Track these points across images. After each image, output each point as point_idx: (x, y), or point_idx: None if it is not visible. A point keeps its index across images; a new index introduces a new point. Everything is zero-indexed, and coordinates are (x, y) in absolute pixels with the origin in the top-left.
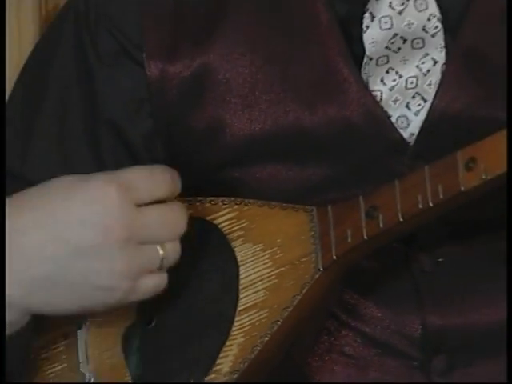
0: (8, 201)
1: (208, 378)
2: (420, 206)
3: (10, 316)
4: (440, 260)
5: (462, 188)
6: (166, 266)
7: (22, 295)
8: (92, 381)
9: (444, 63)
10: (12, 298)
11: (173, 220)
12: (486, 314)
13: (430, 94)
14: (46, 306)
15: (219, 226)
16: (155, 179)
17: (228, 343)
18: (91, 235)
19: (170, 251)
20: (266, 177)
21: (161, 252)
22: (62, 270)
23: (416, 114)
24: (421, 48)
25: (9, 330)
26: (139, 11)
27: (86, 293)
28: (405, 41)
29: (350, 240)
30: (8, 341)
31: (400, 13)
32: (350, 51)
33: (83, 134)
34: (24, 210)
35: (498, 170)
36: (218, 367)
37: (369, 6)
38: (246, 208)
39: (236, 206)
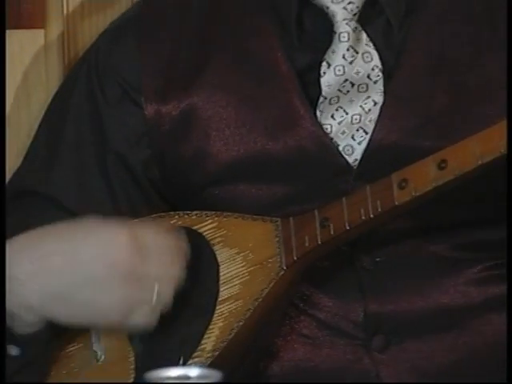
0: (43, 229)
1: (194, 355)
2: (363, 218)
3: (31, 318)
4: (378, 259)
5: (396, 203)
6: (159, 303)
7: (41, 304)
8: (102, 358)
9: (382, 104)
10: (33, 305)
11: (170, 265)
12: (416, 302)
13: (371, 128)
14: (59, 317)
15: (203, 234)
16: (160, 237)
17: (211, 327)
18: (99, 268)
19: (163, 292)
20: (240, 194)
21: (156, 291)
22: (73, 292)
23: (359, 143)
24: (365, 91)
25: (31, 329)
26: (139, 64)
27: (90, 312)
28: (353, 85)
29: (307, 244)
30: (33, 336)
31: (351, 63)
32: (308, 92)
33: (95, 161)
34: (54, 239)
35: (425, 188)
36: (202, 346)
37: (326, 56)
38: (224, 219)
39: (216, 218)
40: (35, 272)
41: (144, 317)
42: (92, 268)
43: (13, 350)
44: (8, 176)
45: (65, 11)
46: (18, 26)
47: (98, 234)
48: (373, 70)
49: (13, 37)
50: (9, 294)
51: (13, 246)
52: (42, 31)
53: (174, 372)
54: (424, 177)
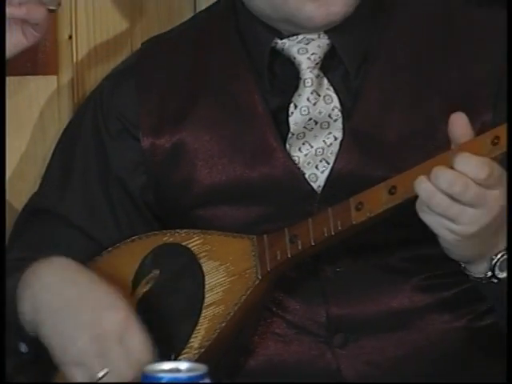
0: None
1: (184, 352)
2: (326, 235)
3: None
4: (338, 270)
5: (354, 222)
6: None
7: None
8: None
9: (341, 139)
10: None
11: (138, 352)
12: (370, 305)
13: (332, 159)
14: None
15: (191, 249)
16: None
17: (197, 328)
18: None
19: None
20: (222, 215)
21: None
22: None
23: (322, 172)
24: (327, 128)
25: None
26: (137, 104)
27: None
28: (316, 123)
29: (279, 258)
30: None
31: (314, 104)
32: (279, 129)
33: (99, 185)
34: (66, 285)
35: (378, 210)
36: (190, 344)
37: (293, 99)
38: (208, 236)
39: (202, 235)
40: (51, 299)
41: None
42: (76, 324)
43: (22, 347)
44: (26, 198)
45: (74, 60)
46: (34, 73)
47: (98, 300)
48: (333, 110)
49: (30, 82)
50: (21, 300)
51: (44, 270)
52: (54, 77)
53: (167, 366)
54: (377, 200)
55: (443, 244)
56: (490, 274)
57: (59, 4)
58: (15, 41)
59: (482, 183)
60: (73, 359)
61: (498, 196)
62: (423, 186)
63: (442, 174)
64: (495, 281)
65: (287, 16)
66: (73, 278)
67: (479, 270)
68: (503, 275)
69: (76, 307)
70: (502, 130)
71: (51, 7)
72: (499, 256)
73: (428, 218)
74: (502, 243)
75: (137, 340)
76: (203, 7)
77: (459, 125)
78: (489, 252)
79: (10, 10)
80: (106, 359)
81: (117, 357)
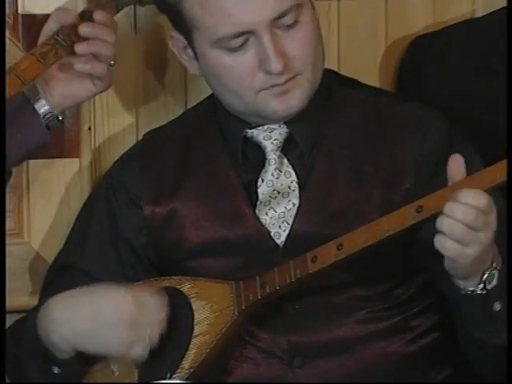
0: (75, 290)
1: (177, 372)
2: (288, 281)
3: (67, 348)
4: (297, 307)
5: (310, 271)
6: (150, 342)
7: (73, 340)
8: (116, 374)
9: (298, 206)
10: (68, 340)
11: (157, 317)
12: (322, 335)
13: (291, 221)
14: (84, 348)
15: (183, 291)
16: (151, 297)
17: (188, 352)
18: (111, 319)
19: (153, 335)
20: (206, 265)
21: (148, 334)
22: (93, 333)
23: (284, 231)
24: (287, 197)
25: (67, 355)
26: (140, 181)
27: (104, 346)
28: (279, 193)
29: (251, 299)
30: (68, 360)
31: (277, 178)
32: (250, 198)
33: (111, 245)
34: (82, 296)
35: (328, 262)
36: (182, 366)
37: (261, 174)
38: (197, 282)
39: (192, 281)
40: (69, 318)
41: (140, 350)
42: (106, 319)
43: (55, 369)
44: (54, 254)
45: (93, 147)
46: (61, 156)
47: (111, 294)
48: (291, 182)
49: (57, 163)
50: (51, 333)
51: (54, 300)
52: (77, 160)
53: (164, 382)
54: (328, 254)
55: (449, 265)
56: (481, 286)
57: (114, 61)
58: (86, 88)
59: (484, 210)
60: (123, 343)
61: (494, 220)
62: (444, 221)
63: (456, 207)
64: (484, 292)
65: (256, 110)
66: (80, 291)
67: (470, 284)
68: (491, 286)
69: (93, 306)
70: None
71: (111, 62)
72: (489, 271)
73: (447, 249)
74: (491, 260)
75: (150, 300)
76: (192, 105)
77: (456, 163)
78: (482, 268)
79: (78, 66)
80: (143, 325)
81: (149, 317)
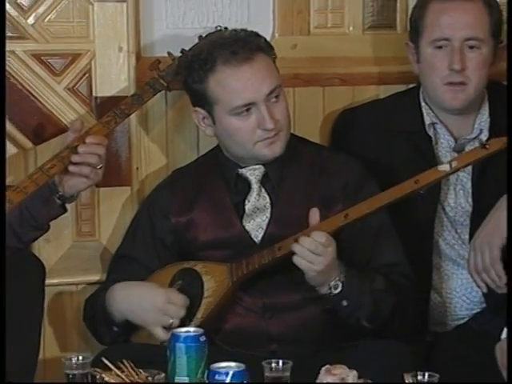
0: (129, 282)
1: (193, 319)
2: (263, 262)
3: (121, 316)
4: (268, 281)
5: (277, 256)
6: (171, 328)
7: (124, 312)
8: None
9: (269, 218)
10: (121, 311)
11: (178, 312)
12: (286, 298)
13: (265, 227)
14: (130, 318)
15: (196, 270)
16: (173, 293)
17: (200, 308)
18: (148, 305)
19: (176, 319)
20: (211, 255)
21: (171, 321)
22: (136, 310)
23: (260, 234)
24: (263, 212)
25: (122, 320)
26: (170, 203)
27: (142, 319)
28: (258, 209)
29: (240, 274)
30: (123, 323)
31: (257, 200)
32: (238, 213)
33: (151, 242)
34: (133, 287)
35: (287, 251)
36: (196, 316)
37: (247, 197)
38: (206, 264)
39: (202, 263)
40: (124, 300)
41: (161, 332)
42: (144, 304)
43: (114, 328)
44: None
45: (139, 179)
46: (117, 185)
47: (151, 290)
48: (266, 203)
49: (117, 190)
50: (112, 307)
51: (117, 286)
52: (129, 188)
53: (184, 329)
54: (287, 246)
55: (307, 276)
56: (329, 291)
57: (102, 165)
58: (82, 182)
59: (323, 243)
60: (153, 321)
61: (332, 251)
62: (298, 247)
63: (306, 241)
64: (332, 294)
65: (252, 155)
66: (133, 283)
67: (323, 290)
68: (337, 291)
69: (139, 296)
70: (351, 210)
71: (99, 166)
72: (332, 282)
73: (299, 263)
74: (335, 275)
75: (175, 297)
76: (202, 153)
77: (314, 215)
78: (328, 280)
79: (71, 168)
80: (167, 313)
81: (172, 310)
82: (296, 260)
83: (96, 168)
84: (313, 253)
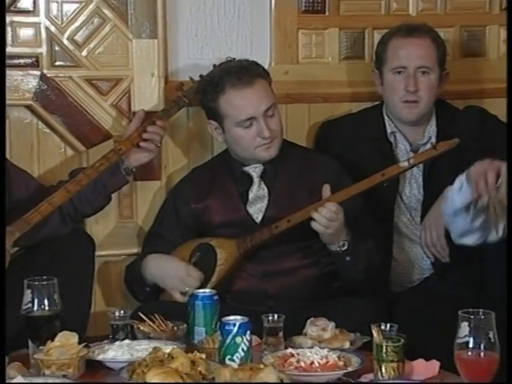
0: (159, 254)
1: (209, 284)
2: (263, 238)
3: (152, 280)
4: (266, 253)
5: (274, 233)
6: (187, 295)
7: (154, 278)
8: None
9: (267, 204)
10: (153, 276)
11: (194, 282)
12: (281, 265)
13: (263, 211)
14: (158, 283)
15: (211, 244)
16: (191, 268)
17: (214, 274)
18: (173, 274)
19: (192, 287)
20: (223, 232)
21: (187, 289)
22: (163, 276)
23: (260, 216)
24: (262, 200)
25: (153, 282)
26: (189, 192)
27: (168, 283)
28: (258, 197)
29: (245, 247)
30: (153, 284)
31: (258, 191)
32: (243, 200)
33: (176, 224)
34: (161, 259)
35: (283, 228)
36: (211, 280)
37: (250, 188)
38: (218, 239)
39: (215, 239)
40: (154, 267)
41: (180, 296)
42: (169, 273)
43: (147, 288)
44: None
45: (167, 174)
46: (150, 179)
47: (176, 263)
48: (264, 192)
49: (149, 183)
50: (146, 272)
51: (150, 257)
52: (158, 182)
53: (201, 290)
54: (284, 225)
55: (321, 237)
56: (338, 249)
57: (161, 144)
58: (144, 156)
59: (335, 211)
60: (173, 286)
61: (341, 217)
62: (317, 215)
63: (323, 210)
64: (340, 251)
65: (253, 157)
66: (162, 256)
67: (333, 247)
68: (344, 248)
69: (166, 266)
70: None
71: (158, 145)
72: (341, 241)
73: (317, 227)
74: (343, 236)
75: (193, 272)
76: (215, 154)
77: (326, 190)
78: (337, 239)
79: (143, 144)
80: (186, 283)
81: (190, 281)
82: (314, 225)
83: (157, 146)
84: (328, 219)
